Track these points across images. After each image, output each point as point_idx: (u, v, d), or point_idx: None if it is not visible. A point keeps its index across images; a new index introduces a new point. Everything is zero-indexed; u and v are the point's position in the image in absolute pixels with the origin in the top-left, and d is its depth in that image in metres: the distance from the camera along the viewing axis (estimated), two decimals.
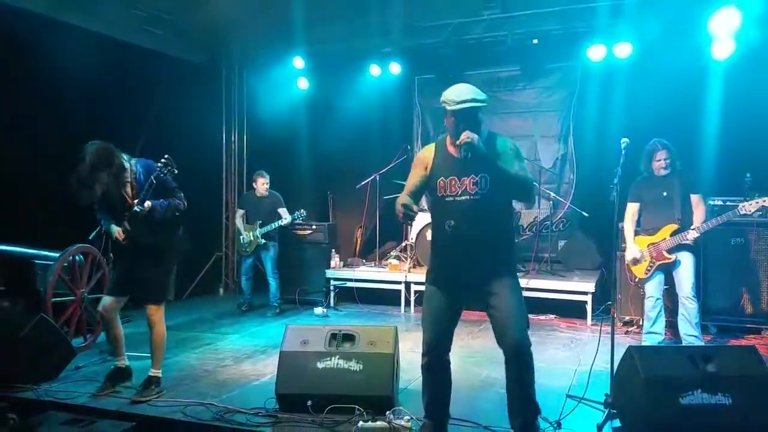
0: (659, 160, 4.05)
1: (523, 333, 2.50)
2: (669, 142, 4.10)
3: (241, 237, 5.73)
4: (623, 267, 4.45)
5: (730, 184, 4.92)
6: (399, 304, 5.86)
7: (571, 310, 5.40)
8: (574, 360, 4.04)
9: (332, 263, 6.15)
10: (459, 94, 2.51)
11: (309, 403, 2.91)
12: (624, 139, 3.18)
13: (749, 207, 3.81)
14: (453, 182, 2.56)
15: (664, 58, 5.43)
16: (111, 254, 3.33)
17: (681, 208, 4.00)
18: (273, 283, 5.68)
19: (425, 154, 2.69)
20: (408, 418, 2.79)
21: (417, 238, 5.91)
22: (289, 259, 6.02)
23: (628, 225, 4.21)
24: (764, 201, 3.81)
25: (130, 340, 3.53)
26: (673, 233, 3.98)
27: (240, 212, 5.89)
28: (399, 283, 5.86)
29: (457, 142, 2.48)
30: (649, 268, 4.08)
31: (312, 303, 5.88)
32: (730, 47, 5.02)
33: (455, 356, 2.76)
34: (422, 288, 5.46)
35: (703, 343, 3.99)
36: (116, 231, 3.24)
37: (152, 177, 3.17)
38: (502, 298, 2.52)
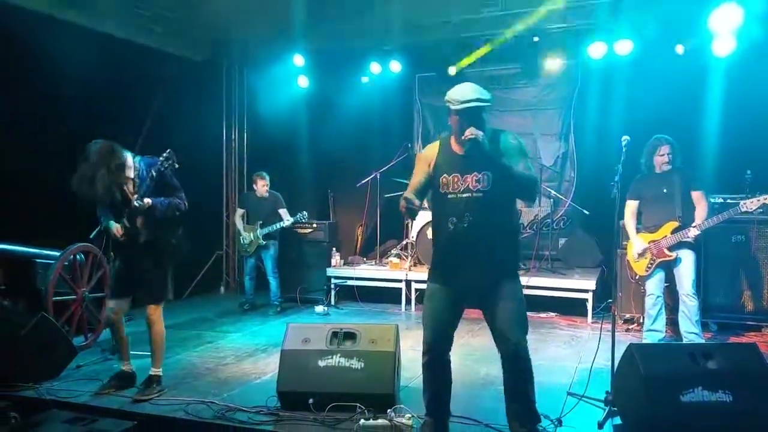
0: (662, 155, 4.04)
1: (521, 338, 2.51)
2: (671, 137, 4.10)
3: (242, 237, 5.73)
4: (624, 265, 4.45)
5: (730, 181, 4.92)
6: (400, 303, 5.87)
7: (571, 308, 5.40)
8: (574, 358, 4.05)
9: (333, 262, 6.15)
10: (463, 93, 2.51)
11: (310, 401, 2.91)
12: (625, 137, 3.17)
13: (750, 204, 3.81)
14: (456, 179, 2.56)
15: (664, 55, 5.42)
16: (111, 253, 3.31)
17: (682, 205, 4.00)
18: (273, 282, 5.68)
19: (429, 152, 2.69)
20: (409, 416, 2.80)
21: (418, 236, 5.91)
22: (289, 258, 6.02)
23: (629, 222, 4.21)
24: (765, 199, 3.81)
25: (132, 338, 3.52)
26: (674, 230, 3.98)
27: (240, 212, 5.89)
28: (400, 281, 5.86)
29: (462, 138, 2.47)
30: (649, 265, 4.08)
31: (313, 301, 5.88)
32: (731, 44, 5.01)
33: (455, 354, 2.76)
34: (423, 286, 5.49)
35: (703, 341, 4.00)
36: (115, 227, 3.22)
37: (152, 170, 3.17)
38: (502, 301, 2.52)
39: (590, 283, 5.25)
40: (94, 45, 5.08)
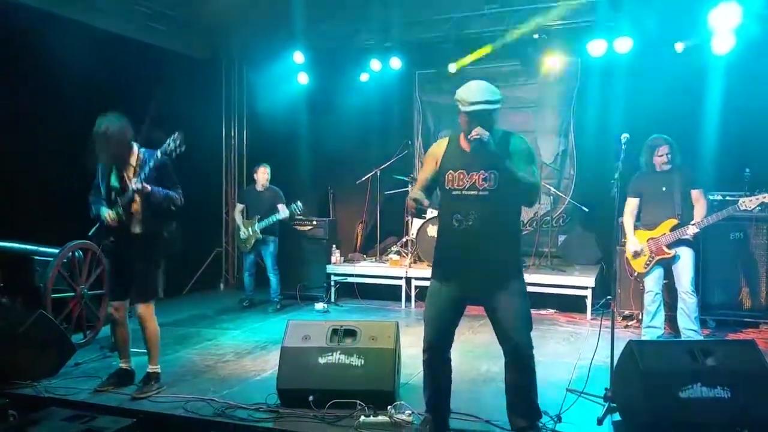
0: (661, 155, 4.05)
1: (525, 336, 2.51)
2: (670, 137, 4.10)
3: (240, 232, 5.72)
4: (623, 262, 4.46)
5: (729, 178, 4.92)
6: (400, 300, 5.87)
7: (571, 305, 5.42)
8: (574, 354, 4.06)
9: (333, 259, 6.15)
10: (472, 94, 2.48)
11: (310, 398, 2.92)
12: (624, 135, 3.17)
13: (749, 203, 3.82)
14: (461, 176, 2.55)
15: (664, 53, 5.41)
16: (102, 243, 3.24)
17: (681, 203, 4.01)
18: (273, 279, 5.67)
19: (437, 148, 2.69)
20: (409, 412, 2.80)
21: (418, 233, 5.91)
22: (289, 255, 6.01)
23: (628, 219, 4.21)
24: (764, 197, 3.81)
25: (130, 335, 3.51)
26: (673, 228, 3.98)
27: (239, 207, 5.88)
28: (400, 278, 5.86)
29: (469, 138, 2.47)
30: (648, 262, 4.09)
31: (313, 298, 5.88)
32: (731, 42, 5.01)
33: (456, 351, 2.76)
34: (423, 283, 5.52)
35: (702, 338, 4.01)
36: (107, 213, 3.16)
37: (158, 152, 3.14)
38: (506, 300, 2.52)
39: (589, 280, 5.26)
40: (94, 42, 5.06)
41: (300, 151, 6.83)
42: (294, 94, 6.77)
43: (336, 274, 6.05)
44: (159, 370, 3.32)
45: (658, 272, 4.08)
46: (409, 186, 6.18)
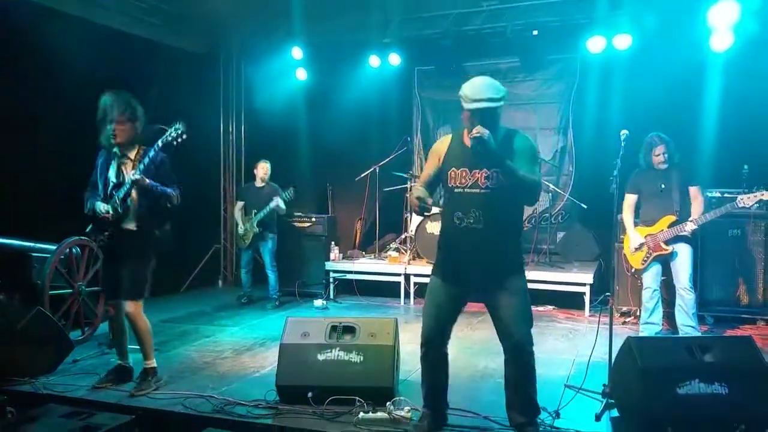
0: (658, 155, 4.05)
1: (526, 334, 2.52)
2: (667, 135, 4.10)
3: (238, 228, 5.72)
4: (621, 258, 4.47)
5: (727, 175, 4.93)
6: (399, 296, 5.87)
7: (569, 301, 5.43)
8: (572, 350, 4.07)
9: (332, 255, 6.15)
10: (476, 91, 2.46)
11: (309, 394, 2.92)
12: (623, 131, 3.17)
13: (747, 200, 3.83)
14: (464, 174, 2.54)
15: (663, 50, 5.41)
16: (98, 239, 3.23)
17: (679, 199, 4.01)
18: (272, 276, 5.67)
19: (440, 145, 2.68)
20: (408, 408, 2.81)
21: (417, 230, 5.90)
22: (288, 252, 6.01)
23: (627, 215, 4.22)
24: (762, 194, 3.83)
25: (129, 331, 3.50)
26: (671, 225, 3.99)
27: (239, 204, 5.87)
28: (398, 275, 5.86)
29: (469, 135, 2.47)
30: (645, 258, 4.10)
31: (311, 295, 5.88)
32: (729, 40, 5.01)
33: (454, 347, 2.77)
34: (422, 280, 5.53)
35: (699, 334, 4.02)
36: (102, 207, 3.15)
37: (158, 141, 3.12)
38: (507, 297, 2.52)
39: (588, 277, 5.27)
40: (92, 37, 5.04)
41: (299, 147, 6.82)
42: (292, 90, 6.75)
43: (335, 271, 6.05)
44: (155, 365, 3.31)
45: (656, 269, 4.10)
46: (408, 183, 6.18)
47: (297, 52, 6.45)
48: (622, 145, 3.16)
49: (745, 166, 4.77)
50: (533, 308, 2.71)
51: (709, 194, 4.72)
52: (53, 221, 4.37)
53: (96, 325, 4.29)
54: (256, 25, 6.29)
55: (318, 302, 5.63)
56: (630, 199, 4.21)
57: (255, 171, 5.80)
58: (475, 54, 6.28)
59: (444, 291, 2.62)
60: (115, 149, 3.21)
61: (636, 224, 4.23)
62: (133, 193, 3.16)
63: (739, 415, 2.56)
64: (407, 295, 5.86)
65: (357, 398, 2.88)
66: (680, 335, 3.93)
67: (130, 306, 3.19)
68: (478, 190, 2.51)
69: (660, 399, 2.60)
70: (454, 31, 6.05)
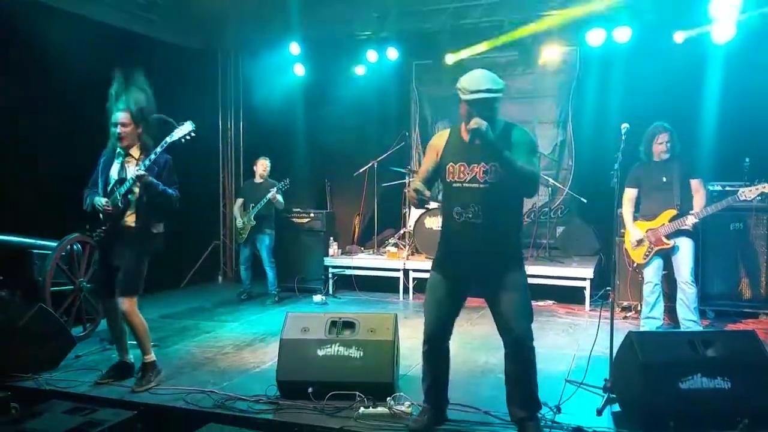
0: (661, 143, 4.03)
1: (526, 329, 2.51)
2: (670, 125, 4.09)
3: (237, 222, 5.72)
4: (622, 253, 4.46)
5: (729, 168, 4.91)
6: (397, 292, 5.87)
7: (569, 296, 5.42)
8: (573, 345, 4.07)
9: (330, 251, 6.14)
10: (474, 82, 2.45)
11: (310, 390, 2.92)
12: (624, 125, 3.15)
13: (749, 193, 3.81)
14: (462, 168, 2.53)
15: (663, 42, 5.38)
16: (94, 234, 3.23)
17: (680, 193, 3.99)
18: (270, 272, 5.67)
19: (438, 140, 2.67)
20: (408, 403, 2.81)
21: (415, 225, 5.90)
22: (287, 247, 6.00)
23: (627, 210, 4.21)
24: (764, 187, 3.80)
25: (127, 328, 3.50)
26: (672, 219, 3.98)
27: (239, 201, 5.87)
28: (397, 270, 5.86)
29: (467, 127, 2.45)
30: (647, 253, 4.09)
31: (311, 291, 5.88)
32: (731, 31, 4.98)
33: (455, 342, 2.76)
34: (421, 275, 5.52)
35: (701, 328, 4.02)
36: (102, 200, 3.14)
37: (168, 138, 3.13)
38: (507, 292, 2.51)
39: (588, 272, 5.27)
40: (88, 33, 5.01)
41: (297, 143, 6.80)
42: (290, 86, 6.72)
43: (334, 267, 6.05)
44: (154, 359, 3.30)
45: (658, 263, 4.08)
46: (407, 178, 6.17)
47: (294, 48, 6.42)
48: (623, 138, 3.14)
49: (747, 159, 4.75)
50: (534, 303, 2.71)
51: (711, 187, 4.70)
52: (54, 218, 4.37)
53: (98, 321, 4.29)
54: (253, 20, 6.26)
55: (317, 298, 5.64)
56: (630, 194, 4.19)
57: (254, 168, 5.79)
58: (473, 48, 6.23)
59: (444, 286, 2.61)
60: (119, 148, 3.21)
61: (636, 218, 4.21)
62: (135, 189, 3.15)
63: (742, 409, 2.55)
64: (406, 290, 5.85)
65: (357, 393, 2.88)
66: (682, 330, 3.93)
67: (124, 303, 3.17)
68: (477, 185, 2.50)
69: (662, 394, 2.60)
70: (452, 25, 6.01)
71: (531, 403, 2.58)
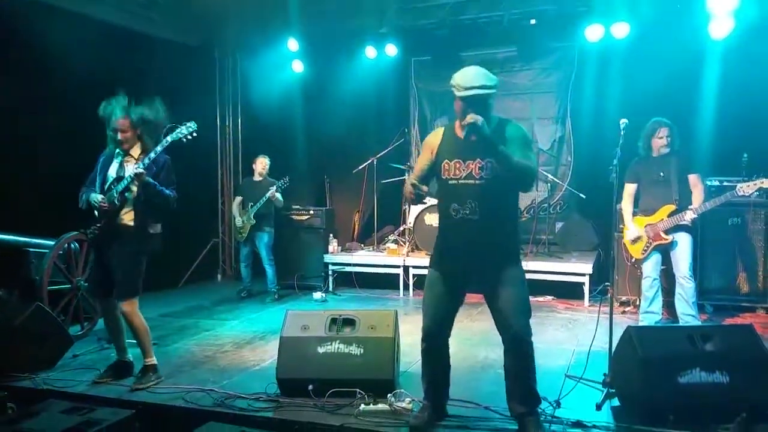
0: (661, 137, 4.03)
1: (524, 324, 2.51)
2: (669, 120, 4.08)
3: (236, 220, 5.70)
4: (620, 248, 4.46)
5: (727, 164, 4.92)
6: (398, 288, 5.87)
7: (568, 292, 5.43)
8: (572, 340, 4.07)
9: (330, 248, 6.14)
10: (468, 79, 2.46)
11: (310, 387, 2.92)
12: (623, 120, 3.15)
13: (747, 189, 3.82)
14: (457, 165, 2.53)
15: (661, 38, 5.37)
16: (88, 232, 3.22)
17: (678, 188, 4.00)
18: (269, 270, 5.66)
19: (433, 138, 2.67)
20: (409, 400, 2.81)
21: (415, 222, 5.89)
22: (286, 245, 6.00)
23: (626, 205, 4.21)
24: (762, 182, 3.81)
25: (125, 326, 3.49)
26: (671, 214, 3.98)
27: (237, 200, 5.85)
28: (397, 267, 5.86)
29: (462, 123, 2.45)
30: (645, 248, 4.09)
31: (310, 288, 5.87)
32: (728, 26, 4.97)
33: (454, 338, 2.76)
34: (421, 272, 5.52)
35: (699, 323, 4.03)
36: (98, 197, 3.12)
37: (169, 137, 3.13)
38: (505, 288, 2.51)
39: (587, 267, 5.27)
40: (88, 31, 4.99)
41: (296, 140, 6.78)
42: (289, 83, 6.70)
43: (333, 264, 6.04)
44: (155, 362, 3.30)
45: (656, 258, 4.09)
46: (406, 174, 6.15)
47: (293, 44, 6.39)
48: (622, 133, 3.14)
49: (745, 154, 4.76)
50: (533, 299, 2.71)
51: (709, 183, 4.71)
52: (55, 218, 4.34)
53: (95, 320, 4.28)
54: (251, 17, 6.22)
55: (317, 295, 5.63)
56: (629, 189, 4.19)
57: (253, 165, 5.77)
58: (473, 44, 6.23)
59: (443, 283, 2.61)
60: (119, 149, 3.21)
61: (635, 213, 4.22)
62: (133, 187, 3.14)
63: (741, 403, 2.56)
64: (406, 287, 5.85)
65: (358, 390, 2.87)
66: (680, 324, 3.93)
67: (125, 305, 3.16)
68: (472, 181, 2.50)
69: (661, 388, 2.61)
70: (451, 21, 5.99)
71: (530, 398, 2.58)
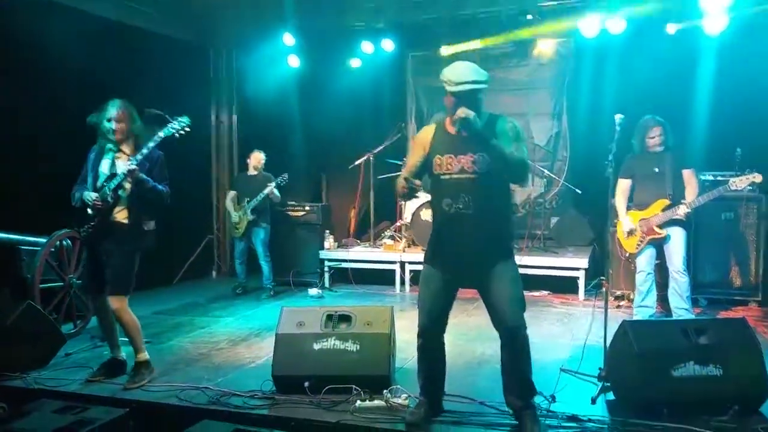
0: (653, 137, 4.04)
1: (519, 317, 2.51)
2: (662, 118, 4.09)
3: (232, 216, 5.67)
4: (615, 242, 4.48)
5: (720, 158, 4.94)
6: (394, 284, 5.87)
7: (563, 286, 5.45)
8: (567, 335, 4.08)
9: (326, 244, 6.12)
10: (459, 74, 2.46)
11: (306, 384, 2.91)
12: (618, 115, 3.16)
13: (740, 183, 3.84)
14: (449, 160, 2.53)
15: (657, 34, 5.38)
16: (81, 230, 3.19)
17: (672, 183, 4.01)
18: (265, 267, 5.64)
19: (424, 134, 2.67)
20: (405, 396, 2.81)
21: (412, 217, 5.88)
22: (282, 241, 5.97)
23: (620, 200, 4.22)
24: (754, 177, 3.84)
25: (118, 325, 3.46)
26: (665, 209, 4.00)
27: (231, 194, 5.82)
28: (394, 263, 5.85)
29: (453, 118, 2.44)
30: (639, 242, 4.11)
31: (306, 284, 5.86)
32: (723, 22, 4.98)
33: (450, 334, 2.76)
34: (417, 267, 5.51)
35: (693, 316, 4.05)
36: (92, 195, 3.09)
37: (160, 132, 3.11)
38: (499, 282, 2.52)
39: (582, 261, 5.29)
40: (82, 26, 4.92)
41: (292, 135, 6.75)
42: (285, 78, 6.65)
43: (330, 260, 6.03)
44: (147, 357, 3.27)
45: (650, 252, 4.10)
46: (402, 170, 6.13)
47: (288, 39, 6.34)
48: (617, 129, 3.14)
49: (738, 149, 4.78)
50: (528, 293, 2.71)
51: (702, 177, 4.73)
52: (55, 218, 4.29)
53: (88, 318, 4.25)
54: (247, 11, 6.17)
55: (313, 291, 5.62)
56: (624, 184, 4.20)
57: (248, 160, 5.74)
58: (469, 39, 6.20)
59: (437, 279, 2.61)
60: (110, 144, 3.18)
61: (629, 208, 4.23)
62: (126, 184, 3.11)
63: (734, 396, 2.58)
64: (402, 282, 5.85)
65: (354, 387, 2.87)
66: (674, 318, 3.95)
67: (115, 302, 3.13)
68: (465, 176, 2.51)
69: (655, 382, 2.62)
70: (448, 16, 5.96)
71: (526, 390, 2.59)
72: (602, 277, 3.31)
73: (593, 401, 2.82)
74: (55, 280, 4.03)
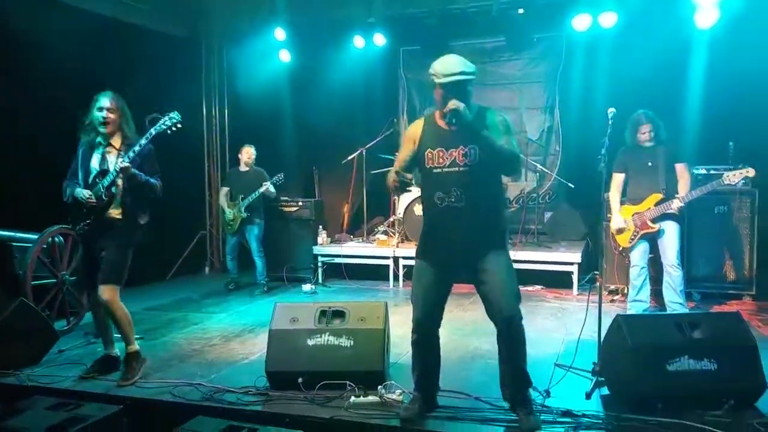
0: (643, 133, 4.05)
1: (514, 306, 2.52)
2: (654, 112, 4.10)
3: (225, 213, 5.64)
4: (609, 237, 4.49)
5: (713, 152, 4.96)
6: (387, 279, 5.86)
7: (557, 281, 5.46)
8: (561, 329, 4.10)
9: (319, 239, 6.10)
10: (447, 66, 2.48)
11: (300, 380, 2.90)
12: (611, 109, 3.15)
13: (733, 177, 3.85)
14: (441, 154, 2.53)
15: (648, 27, 5.38)
16: (77, 228, 3.17)
17: (665, 177, 4.02)
18: (259, 262, 5.62)
19: (414, 129, 2.67)
20: (399, 391, 2.80)
21: (405, 212, 5.87)
22: (275, 236, 5.95)
23: (614, 195, 4.23)
24: (747, 171, 3.86)
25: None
26: (658, 203, 4.01)
27: (224, 190, 5.79)
28: (387, 258, 5.85)
29: (444, 110, 2.44)
30: (632, 237, 4.12)
31: (300, 280, 5.84)
32: (714, 16, 4.99)
33: (445, 328, 2.76)
34: (411, 262, 5.51)
35: (687, 311, 4.07)
36: (84, 193, 3.08)
37: (152, 129, 3.09)
38: (493, 274, 2.51)
39: (575, 256, 5.31)
40: (74, 22, 4.87)
41: (284, 130, 6.71)
42: (276, 73, 6.61)
43: (323, 255, 6.01)
44: (137, 348, 3.26)
45: (644, 246, 4.12)
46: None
47: (280, 33, 6.29)
48: (610, 123, 3.14)
49: (731, 143, 4.80)
50: (522, 288, 2.70)
51: (696, 171, 4.75)
52: (55, 218, 4.25)
53: (81, 314, 4.22)
54: (238, 5, 6.12)
55: (306, 287, 5.61)
56: (617, 179, 4.21)
57: (239, 156, 5.70)
58: (461, 33, 6.19)
59: (431, 273, 2.61)
60: (99, 138, 3.14)
61: (623, 202, 4.24)
62: (119, 181, 3.09)
63: (728, 390, 2.59)
64: (396, 278, 5.85)
65: (348, 383, 2.86)
66: (668, 312, 3.97)
67: (106, 292, 3.10)
68: (456, 169, 2.50)
69: (650, 376, 2.63)
70: (440, 10, 5.94)
71: (522, 381, 2.59)
72: (596, 272, 3.31)
73: (588, 396, 2.83)
74: (47, 277, 3.99)
